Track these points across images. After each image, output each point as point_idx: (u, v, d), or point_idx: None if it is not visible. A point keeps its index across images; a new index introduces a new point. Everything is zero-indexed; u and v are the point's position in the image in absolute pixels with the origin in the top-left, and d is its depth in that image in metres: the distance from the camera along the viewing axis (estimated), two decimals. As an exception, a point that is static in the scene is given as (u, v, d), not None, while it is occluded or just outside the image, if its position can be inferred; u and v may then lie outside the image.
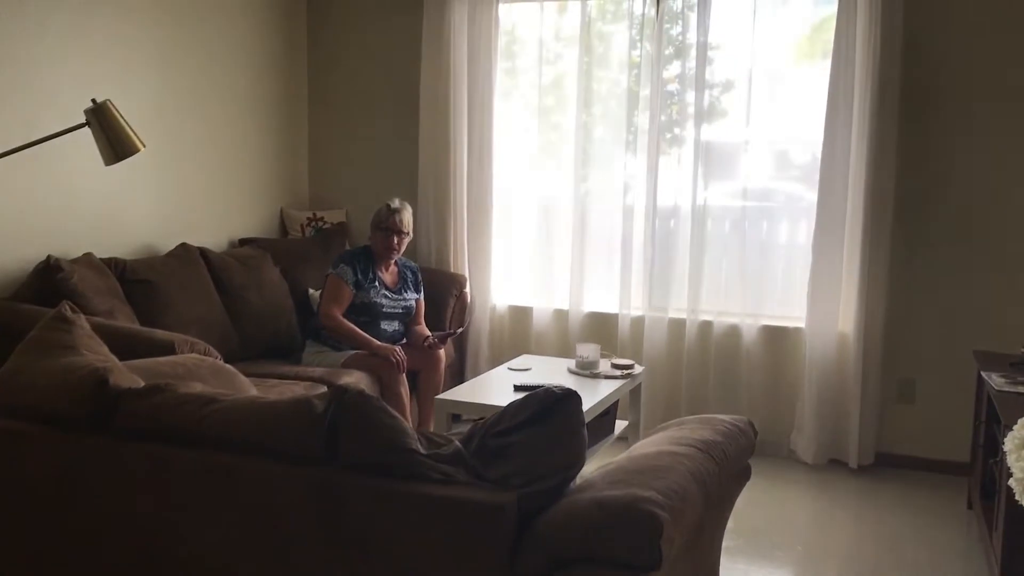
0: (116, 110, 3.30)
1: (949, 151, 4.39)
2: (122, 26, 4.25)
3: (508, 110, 5.19)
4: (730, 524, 3.84)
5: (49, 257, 3.64)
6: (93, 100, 3.29)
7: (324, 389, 3.74)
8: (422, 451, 1.87)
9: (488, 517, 1.69)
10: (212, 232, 4.89)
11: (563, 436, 1.84)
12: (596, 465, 4.44)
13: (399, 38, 5.30)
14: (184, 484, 1.90)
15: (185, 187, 4.69)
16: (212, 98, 4.83)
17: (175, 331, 3.75)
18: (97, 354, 2.22)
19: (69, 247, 4.01)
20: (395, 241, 4.43)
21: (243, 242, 5.03)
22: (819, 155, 4.49)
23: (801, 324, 4.66)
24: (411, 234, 4.54)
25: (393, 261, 4.54)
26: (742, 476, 2.42)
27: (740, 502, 4.05)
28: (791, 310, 4.74)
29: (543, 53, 5.05)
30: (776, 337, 4.73)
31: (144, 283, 4.01)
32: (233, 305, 4.46)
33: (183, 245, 4.45)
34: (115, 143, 3.30)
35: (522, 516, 1.74)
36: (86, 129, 3.34)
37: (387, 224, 4.43)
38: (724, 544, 3.63)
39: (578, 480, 1.91)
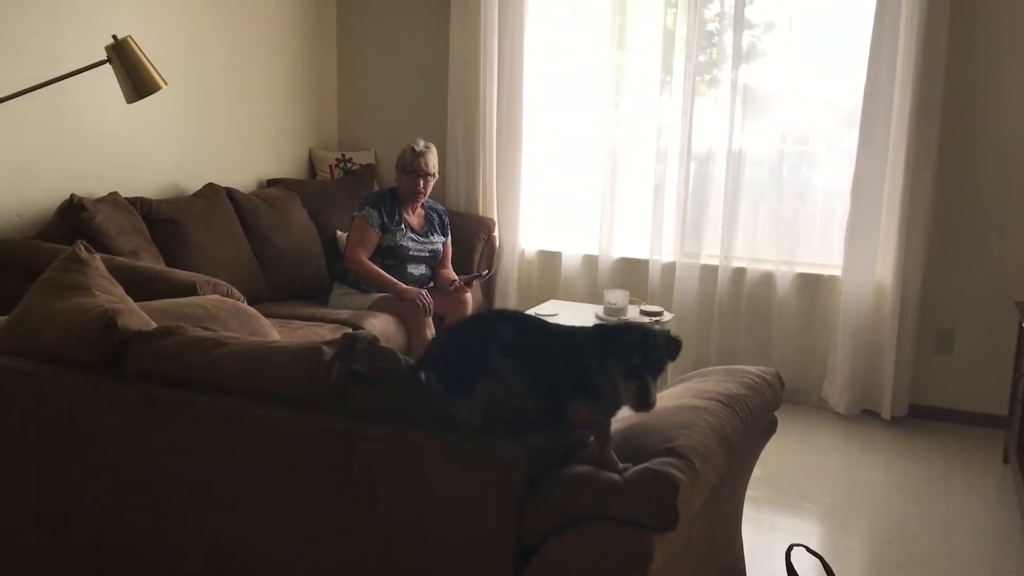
0: (137, 47, 3.25)
1: (996, 94, 4.22)
2: (146, -40, 4.18)
3: (540, 49, 5.05)
4: (757, 473, 3.77)
5: (72, 196, 3.60)
6: (114, 37, 3.25)
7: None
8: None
9: (498, 469, 1.64)
10: (239, 172, 4.84)
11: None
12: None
13: (429, -25, 5.18)
14: (191, 429, 1.87)
15: (213, 127, 4.64)
16: (240, 37, 4.75)
17: (201, 272, 3.72)
18: (110, 295, 2.19)
19: (94, 186, 3.98)
20: (421, 184, 4.36)
21: (271, 183, 4.98)
22: (860, 98, 4.34)
23: (837, 272, 4.56)
24: (437, 175, 4.46)
25: (420, 204, 4.47)
26: (767, 430, 2.35)
27: (768, 451, 3.98)
28: (827, 258, 4.63)
29: (577, -11, 4.91)
30: (811, 285, 4.63)
31: (170, 223, 3.98)
32: (260, 247, 4.43)
33: (210, 185, 4.41)
34: (136, 80, 3.26)
35: (534, 470, 1.69)
36: (110, 66, 3.30)
37: (412, 167, 4.35)
38: (750, 494, 3.57)
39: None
